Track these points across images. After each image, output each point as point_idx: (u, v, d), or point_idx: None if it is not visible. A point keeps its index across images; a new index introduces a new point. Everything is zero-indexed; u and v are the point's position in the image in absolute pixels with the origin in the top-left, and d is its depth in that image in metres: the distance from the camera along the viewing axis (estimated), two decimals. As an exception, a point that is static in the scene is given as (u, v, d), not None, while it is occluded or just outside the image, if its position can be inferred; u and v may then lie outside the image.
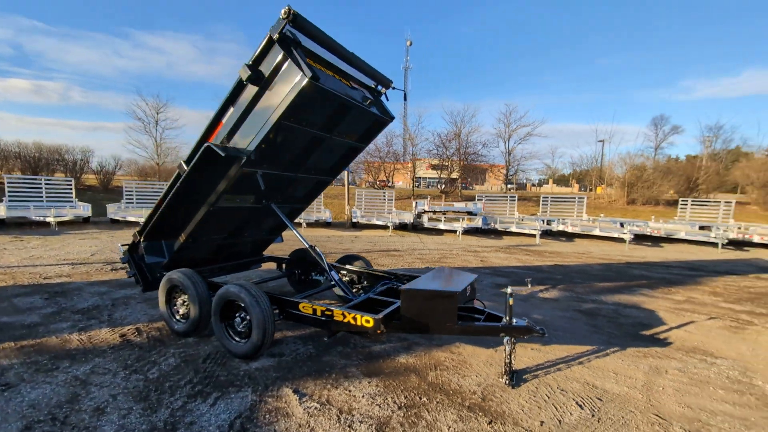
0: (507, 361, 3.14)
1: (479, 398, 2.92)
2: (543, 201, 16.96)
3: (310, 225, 14.99)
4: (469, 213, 14.86)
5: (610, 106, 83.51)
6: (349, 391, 2.98)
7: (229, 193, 3.89)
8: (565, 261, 9.46)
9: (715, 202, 16.15)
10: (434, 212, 14.84)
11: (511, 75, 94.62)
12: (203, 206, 3.97)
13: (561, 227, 13.90)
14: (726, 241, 12.31)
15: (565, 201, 17.52)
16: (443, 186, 33.24)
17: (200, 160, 3.59)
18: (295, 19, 3.12)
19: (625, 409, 2.83)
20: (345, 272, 4.96)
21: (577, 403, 2.89)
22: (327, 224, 15.40)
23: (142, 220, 5.65)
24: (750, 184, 23.39)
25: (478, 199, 16.48)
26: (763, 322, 5.01)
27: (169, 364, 3.33)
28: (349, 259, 5.19)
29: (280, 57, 3.23)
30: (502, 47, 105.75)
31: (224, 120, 3.70)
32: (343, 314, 3.19)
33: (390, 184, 33.61)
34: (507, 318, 3.09)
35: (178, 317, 4.02)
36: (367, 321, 3.04)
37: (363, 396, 2.91)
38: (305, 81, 3.07)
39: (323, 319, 3.32)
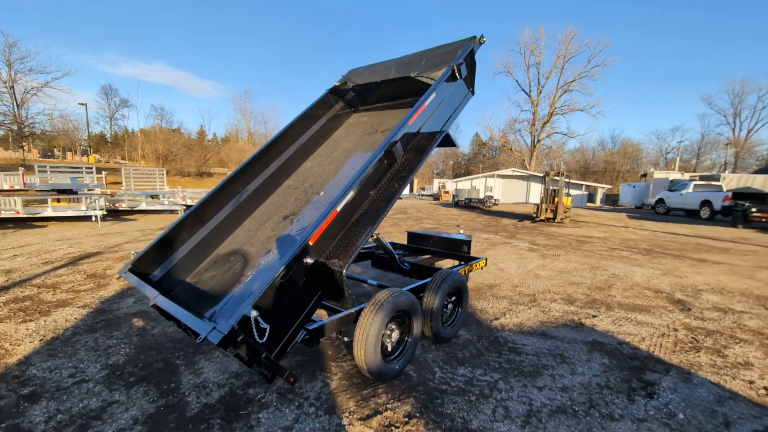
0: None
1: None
2: (126, 174, 14.45)
3: None
4: (70, 192, 10.02)
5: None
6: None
7: None
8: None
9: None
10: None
11: None
12: (394, 198, 2.98)
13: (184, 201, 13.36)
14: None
15: (146, 173, 15.80)
16: None
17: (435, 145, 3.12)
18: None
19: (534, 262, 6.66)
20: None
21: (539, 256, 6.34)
22: None
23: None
24: (231, 161, 31.46)
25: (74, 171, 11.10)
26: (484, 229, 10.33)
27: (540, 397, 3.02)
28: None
29: (463, 68, 3.69)
30: None
31: (427, 103, 3.19)
32: (477, 265, 4.47)
33: None
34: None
35: (389, 355, 2.81)
36: (483, 261, 4.67)
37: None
38: (471, 97, 3.99)
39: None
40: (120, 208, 11.15)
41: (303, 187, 3.84)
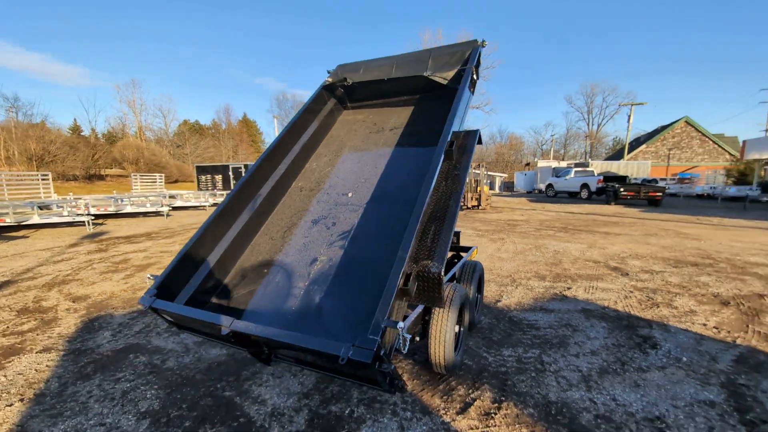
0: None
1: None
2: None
3: None
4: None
5: None
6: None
7: None
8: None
9: (152, 175, 18.60)
10: None
11: None
12: (459, 195, 3.03)
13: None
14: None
15: (23, 179, 12.52)
16: None
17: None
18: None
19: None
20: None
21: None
22: None
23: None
24: (126, 160, 26.57)
25: None
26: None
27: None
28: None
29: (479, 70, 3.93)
30: None
31: (461, 103, 3.29)
32: (474, 253, 4.77)
33: None
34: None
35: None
36: (476, 249, 4.99)
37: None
38: (471, 97, 4.24)
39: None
40: (3, 224, 8.78)
41: (320, 188, 3.62)
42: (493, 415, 2.33)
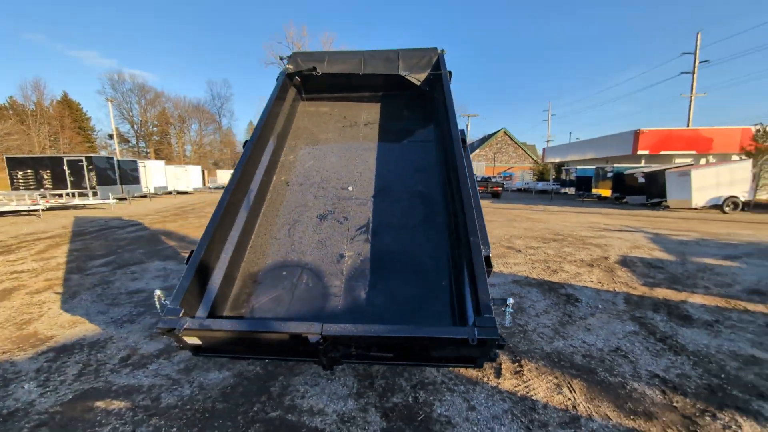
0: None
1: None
2: None
3: None
4: None
5: None
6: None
7: None
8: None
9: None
10: None
11: None
12: (476, 184, 3.28)
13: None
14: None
15: None
16: None
17: None
18: None
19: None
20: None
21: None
22: None
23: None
24: None
25: None
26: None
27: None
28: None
29: None
30: None
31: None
32: None
33: None
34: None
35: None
36: None
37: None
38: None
39: None
40: None
41: (311, 182, 3.34)
42: (521, 372, 2.71)
